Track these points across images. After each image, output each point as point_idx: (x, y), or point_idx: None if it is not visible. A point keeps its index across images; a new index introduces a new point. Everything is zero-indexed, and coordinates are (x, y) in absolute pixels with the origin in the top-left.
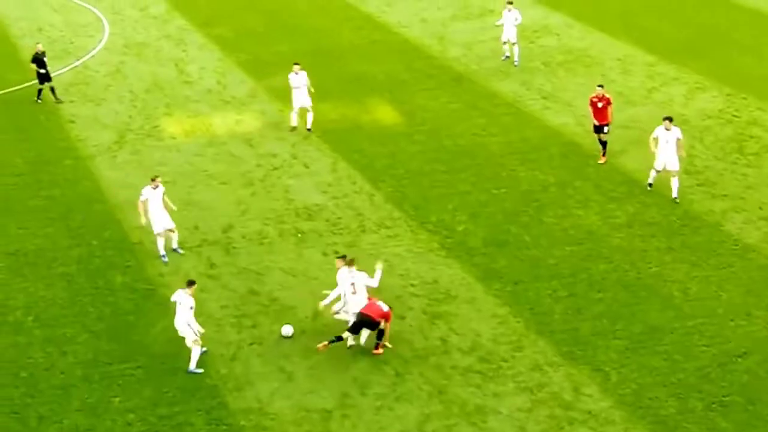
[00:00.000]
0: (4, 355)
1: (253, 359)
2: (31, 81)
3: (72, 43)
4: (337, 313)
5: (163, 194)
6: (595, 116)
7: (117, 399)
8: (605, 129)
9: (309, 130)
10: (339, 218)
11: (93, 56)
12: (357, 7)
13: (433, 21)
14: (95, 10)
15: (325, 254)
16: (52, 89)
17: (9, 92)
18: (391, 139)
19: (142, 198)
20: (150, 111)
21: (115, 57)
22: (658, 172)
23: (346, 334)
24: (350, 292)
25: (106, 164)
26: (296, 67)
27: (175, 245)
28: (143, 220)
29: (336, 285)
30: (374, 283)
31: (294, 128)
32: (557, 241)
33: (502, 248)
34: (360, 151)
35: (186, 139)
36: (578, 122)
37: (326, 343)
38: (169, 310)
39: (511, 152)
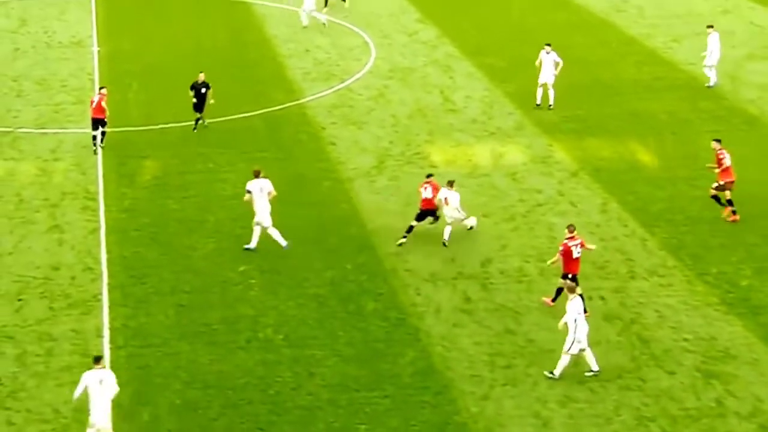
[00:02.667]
0: (254, 372)
1: (506, 400)
2: (295, 101)
3: (338, 65)
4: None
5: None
6: None
7: (363, 426)
8: None
9: (550, 107)
10: (606, 261)
11: (357, 79)
12: (641, 42)
13: (725, 59)
14: (364, 34)
15: (589, 298)
16: (200, 120)
17: (273, 111)
18: (669, 182)
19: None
20: (411, 137)
21: (379, 81)
22: None
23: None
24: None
25: (365, 188)
26: (548, 48)
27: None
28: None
29: None
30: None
31: (538, 106)
32: None
33: None
34: (634, 192)
35: (447, 168)
36: None
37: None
38: (420, 341)
39: None
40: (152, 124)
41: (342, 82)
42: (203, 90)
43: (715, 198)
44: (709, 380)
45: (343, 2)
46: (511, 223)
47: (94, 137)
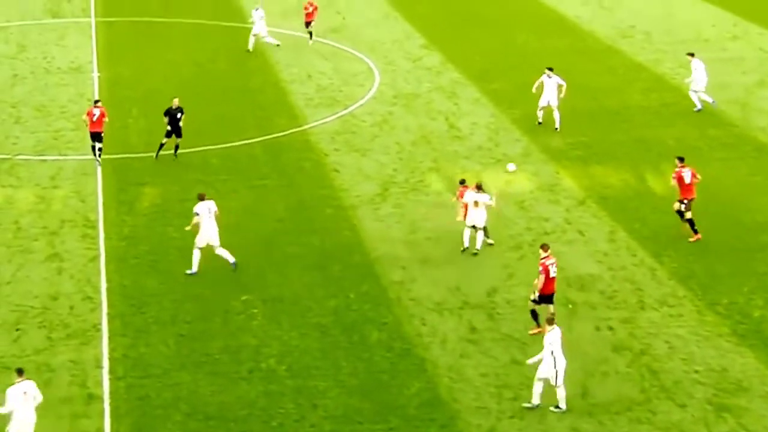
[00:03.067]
0: (256, 403)
1: None
2: (297, 127)
3: (341, 91)
4: None
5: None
6: None
7: None
8: None
9: (556, 129)
10: (615, 291)
11: (361, 105)
12: (648, 68)
13: (735, 86)
14: (367, 60)
15: (597, 329)
16: (164, 145)
17: (276, 137)
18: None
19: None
20: (416, 164)
21: (383, 107)
22: None
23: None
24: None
25: (368, 216)
26: (549, 72)
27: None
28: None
29: None
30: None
31: (540, 123)
32: None
33: None
34: (642, 220)
35: (452, 196)
36: None
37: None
38: (426, 372)
39: None
40: (152, 151)
41: (345, 108)
42: (178, 115)
43: (689, 222)
44: (720, 413)
45: (309, 40)
46: (517, 252)
47: (93, 147)
